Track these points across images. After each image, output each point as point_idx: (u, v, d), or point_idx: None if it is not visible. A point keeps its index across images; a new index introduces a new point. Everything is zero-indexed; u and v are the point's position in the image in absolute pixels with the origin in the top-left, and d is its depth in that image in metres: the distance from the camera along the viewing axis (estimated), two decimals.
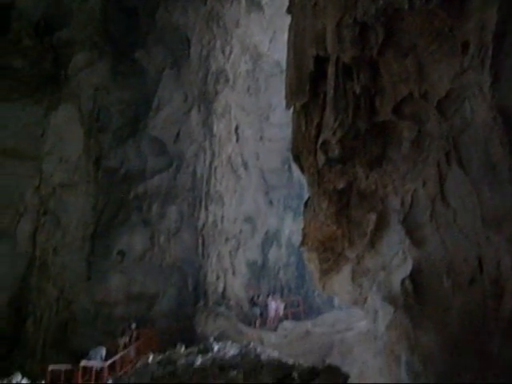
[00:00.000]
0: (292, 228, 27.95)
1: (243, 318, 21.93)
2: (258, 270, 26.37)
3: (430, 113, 8.23)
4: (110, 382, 9.99)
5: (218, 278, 23.20)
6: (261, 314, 22.65)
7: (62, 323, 20.62)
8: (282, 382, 6.16)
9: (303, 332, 18.57)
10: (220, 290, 23.14)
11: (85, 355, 15.29)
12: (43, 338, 19.85)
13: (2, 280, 19.67)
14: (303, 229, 11.17)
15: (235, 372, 8.35)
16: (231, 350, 11.16)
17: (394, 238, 9.59)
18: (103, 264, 21.94)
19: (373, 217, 9.93)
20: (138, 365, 11.05)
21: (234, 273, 24.26)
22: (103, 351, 16.31)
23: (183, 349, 12.46)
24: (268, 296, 23.28)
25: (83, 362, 13.52)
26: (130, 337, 18.12)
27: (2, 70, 21.11)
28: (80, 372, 12.89)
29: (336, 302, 25.97)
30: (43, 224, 21.23)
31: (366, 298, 10.56)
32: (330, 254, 10.46)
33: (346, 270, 10.47)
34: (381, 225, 9.87)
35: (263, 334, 16.96)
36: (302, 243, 11.03)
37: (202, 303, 21.99)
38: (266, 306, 22.50)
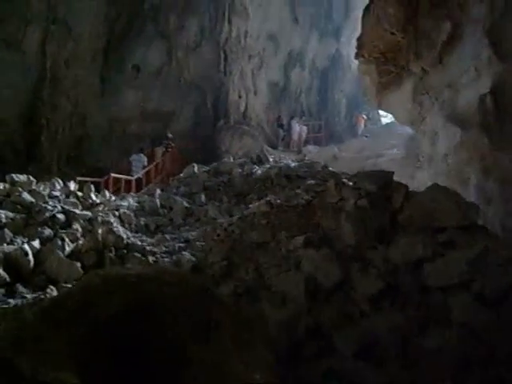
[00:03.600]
0: (317, 50, 26.43)
1: (264, 140, 21.31)
2: (279, 92, 25.27)
3: None
4: (159, 191, 9.29)
5: (240, 97, 22.11)
6: (283, 137, 22.12)
7: (77, 139, 19.94)
8: (384, 188, 5.40)
9: (330, 156, 17.97)
10: (242, 109, 22.20)
11: (106, 170, 14.89)
12: (58, 154, 19.30)
13: (13, 91, 18.52)
14: (359, 38, 9.94)
15: (312, 181, 7.54)
16: (290, 162, 10.41)
17: (467, 53, 8.46)
18: (117, 79, 20.61)
19: (447, 26, 8.68)
20: (181, 175, 10.36)
21: (255, 93, 23.12)
22: (145, 159, 16.59)
23: (232, 159, 11.70)
24: (292, 119, 22.47)
25: (113, 174, 13.14)
26: (167, 147, 17.75)
27: None
28: (111, 181, 12.46)
29: (359, 130, 25.48)
30: (53, 33, 19.49)
31: (424, 118, 9.67)
32: (392, 67, 9.32)
33: (408, 86, 9.44)
34: (454, 36, 8.67)
35: (288, 157, 16.28)
36: (358, 54, 9.82)
37: (222, 122, 21.15)
38: (290, 128, 21.82)
